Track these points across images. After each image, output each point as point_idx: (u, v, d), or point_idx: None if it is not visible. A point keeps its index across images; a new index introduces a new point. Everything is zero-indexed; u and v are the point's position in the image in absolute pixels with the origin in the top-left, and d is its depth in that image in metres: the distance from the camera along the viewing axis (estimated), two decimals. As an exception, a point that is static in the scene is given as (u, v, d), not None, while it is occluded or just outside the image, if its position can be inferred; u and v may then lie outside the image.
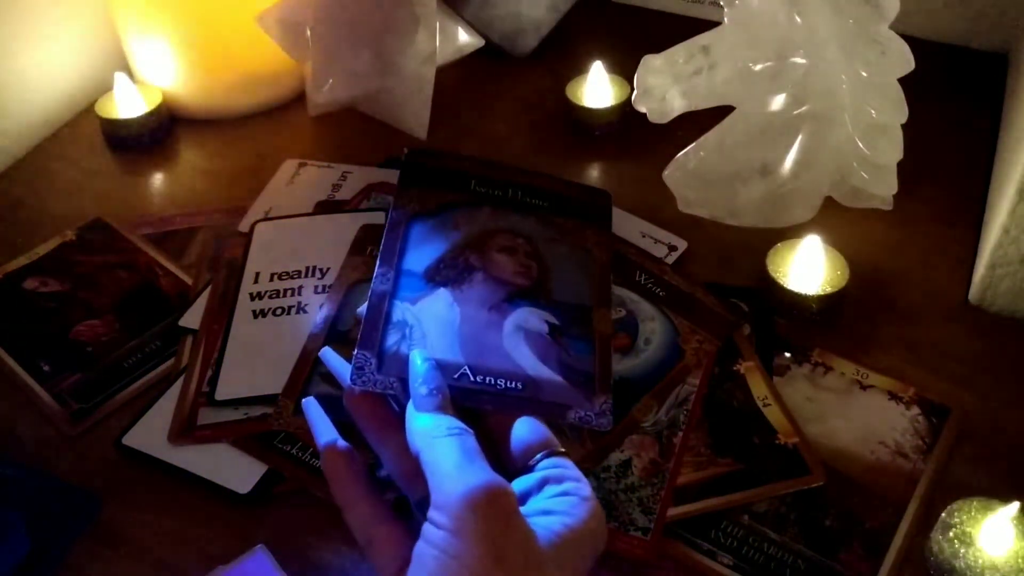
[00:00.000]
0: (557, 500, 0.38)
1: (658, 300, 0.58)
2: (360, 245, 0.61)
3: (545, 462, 0.40)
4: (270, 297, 0.59)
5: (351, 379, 0.44)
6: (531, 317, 0.49)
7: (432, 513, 0.37)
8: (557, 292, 0.51)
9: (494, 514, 0.36)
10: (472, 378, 0.45)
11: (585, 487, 0.39)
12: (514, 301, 0.50)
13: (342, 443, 0.43)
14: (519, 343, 0.48)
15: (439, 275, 0.50)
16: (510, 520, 0.36)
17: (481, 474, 0.37)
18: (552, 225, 0.55)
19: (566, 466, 0.40)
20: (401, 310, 0.48)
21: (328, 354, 0.46)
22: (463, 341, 0.47)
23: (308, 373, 0.53)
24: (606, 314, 0.51)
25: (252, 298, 0.59)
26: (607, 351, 0.50)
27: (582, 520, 0.38)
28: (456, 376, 0.45)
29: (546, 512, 0.38)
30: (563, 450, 0.41)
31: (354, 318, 0.50)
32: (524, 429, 0.42)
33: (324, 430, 0.43)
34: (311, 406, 0.45)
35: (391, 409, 0.43)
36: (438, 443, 0.39)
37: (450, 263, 0.51)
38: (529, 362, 0.47)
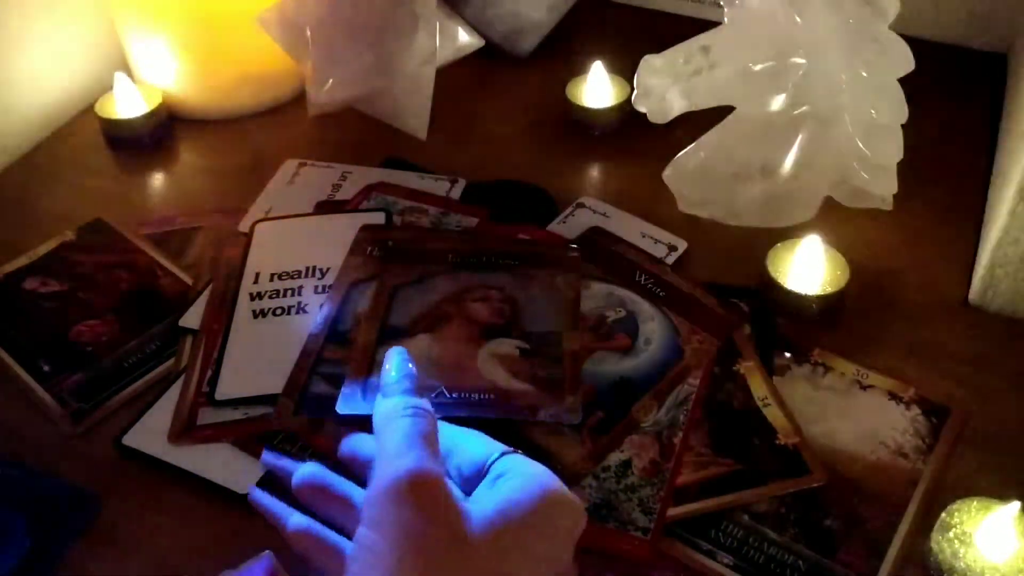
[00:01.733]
0: (504, 482, 0.38)
1: (658, 300, 0.58)
2: (360, 245, 0.61)
3: (497, 463, 0.40)
4: (270, 297, 0.59)
5: (338, 408, 0.49)
6: (502, 346, 0.53)
7: (362, 511, 0.36)
8: (528, 324, 0.55)
9: (415, 500, 0.35)
10: (448, 395, 0.50)
11: (538, 468, 0.39)
12: (488, 336, 0.54)
13: (302, 521, 0.41)
14: (494, 367, 0.52)
15: (419, 326, 0.55)
16: (434, 503, 0.35)
17: (407, 461, 0.36)
18: (523, 276, 0.58)
19: (516, 459, 0.40)
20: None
21: (258, 495, 0.43)
22: (440, 369, 0.52)
23: (308, 373, 0.53)
24: (575, 335, 0.55)
25: (252, 298, 0.59)
26: (577, 363, 0.53)
27: (532, 495, 0.37)
28: (434, 396, 0.48)
29: (492, 492, 0.37)
30: (511, 449, 0.41)
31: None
32: (476, 447, 0.41)
33: (282, 513, 0.42)
34: (258, 495, 0.43)
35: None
36: (390, 425, 0.39)
37: (428, 316, 0.55)
38: (502, 378, 0.51)
